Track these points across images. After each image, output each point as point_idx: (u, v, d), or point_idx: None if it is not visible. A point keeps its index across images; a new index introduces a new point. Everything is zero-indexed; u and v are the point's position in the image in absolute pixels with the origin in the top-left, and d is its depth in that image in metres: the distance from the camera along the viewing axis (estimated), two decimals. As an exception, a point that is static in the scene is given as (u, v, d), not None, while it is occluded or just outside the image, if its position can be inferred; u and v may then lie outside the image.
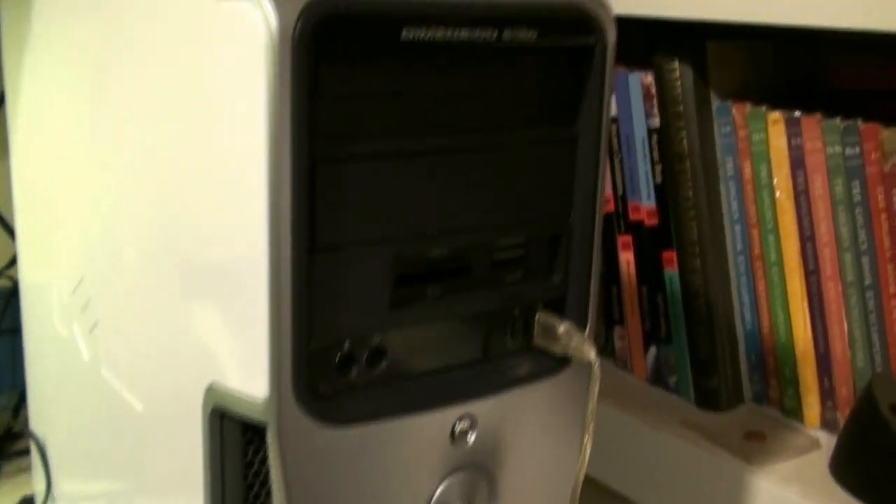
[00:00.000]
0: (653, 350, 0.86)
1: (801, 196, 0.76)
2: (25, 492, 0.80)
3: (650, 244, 0.84)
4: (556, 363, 0.50)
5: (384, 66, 0.42)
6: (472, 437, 0.48)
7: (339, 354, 0.44)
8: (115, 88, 0.51)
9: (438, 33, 0.41)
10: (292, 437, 0.43)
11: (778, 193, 0.78)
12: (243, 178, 0.41)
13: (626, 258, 0.87)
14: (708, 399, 0.83)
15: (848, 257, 0.75)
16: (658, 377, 0.86)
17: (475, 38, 0.43)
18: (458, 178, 0.45)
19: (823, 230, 0.76)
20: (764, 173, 0.78)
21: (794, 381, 0.79)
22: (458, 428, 0.47)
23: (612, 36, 0.48)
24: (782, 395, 0.81)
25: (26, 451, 0.83)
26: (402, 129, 0.43)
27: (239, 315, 0.43)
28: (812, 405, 0.79)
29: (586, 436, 0.48)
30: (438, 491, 0.47)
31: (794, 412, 0.80)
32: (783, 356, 0.80)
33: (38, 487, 0.77)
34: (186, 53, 0.44)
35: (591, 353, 0.47)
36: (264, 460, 0.49)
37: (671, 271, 0.83)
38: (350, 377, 0.44)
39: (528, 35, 0.44)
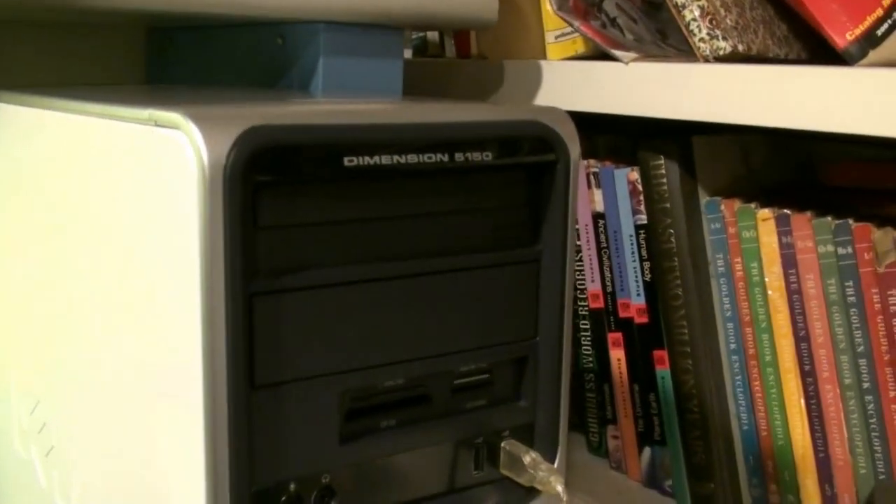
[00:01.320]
0: (647, 451, 0.83)
1: (795, 295, 0.74)
2: None
3: (641, 342, 0.82)
4: (525, 493, 0.47)
5: (328, 194, 0.40)
6: (431, 582, 0.45)
7: (283, 497, 0.41)
8: (60, 216, 0.49)
9: (384, 159, 0.39)
10: (234, 586, 0.40)
11: (770, 292, 0.75)
12: (178, 311, 0.39)
13: (617, 356, 0.84)
14: (705, 506, 0.79)
15: (845, 359, 0.72)
16: (653, 480, 0.83)
17: (425, 163, 0.41)
18: (413, 305, 0.43)
19: (819, 330, 0.73)
20: (755, 271, 0.76)
21: (794, 487, 0.76)
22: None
23: (575, 151, 0.46)
24: (783, 502, 0.77)
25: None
26: (348, 257, 0.41)
27: (177, 455, 0.41)
28: (814, 513, 0.76)
29: (555, 576, 0.45)
30: None
31: (796, 520, 0.76)
32: (782, 460, 0.76)
33: None
34: (125, 181, 0.42)
35: (559, 486, 0.44)
36: None
37: (663, 370, 0.80)
38: (296, 520, 0.42)
39: (482, 157, 0.42)
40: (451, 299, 0.44)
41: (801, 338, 0.74)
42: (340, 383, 0.41)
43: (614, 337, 0.84)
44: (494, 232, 0.45)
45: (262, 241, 0.38)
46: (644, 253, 0.80)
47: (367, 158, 0.39)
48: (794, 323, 0.74)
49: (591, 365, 0.86)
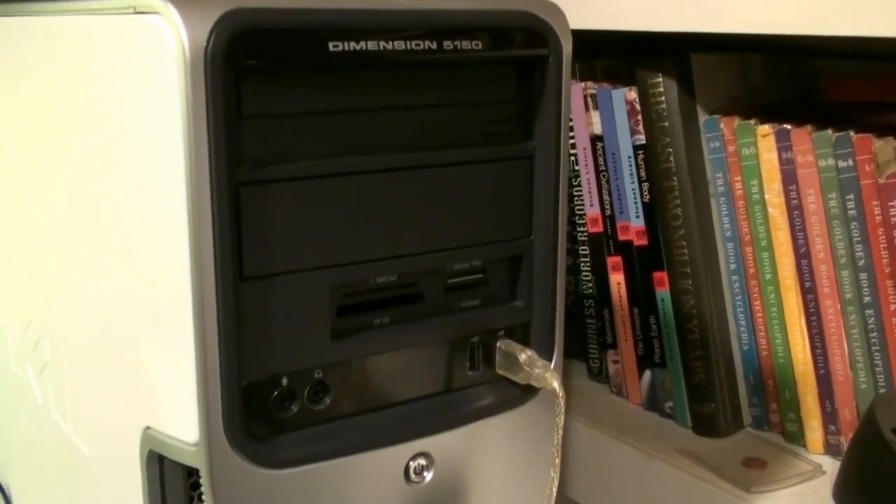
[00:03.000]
0: (647, 374, 0.83)
1: (795, 212, 0.73)
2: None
3: (641, 265, 0.81)
4: (522, 393, 0.47)
5: (313, 83, 0.39)
6: (428, 476, 0.45)
7: (276, 392, 0.41)
8: (43, 125, 0.48)
9: (370, 44, 0.38)
10: (227, 482, 0.40)
11: (770, 209, 0.74)
12: (164, 205, 0.38)
13: (617, 280, 0.83)
14: (705, 425, 0.79)
15: (845, 274, 0.71)
16: (653, 402, 0.83)
17: (412, 50, 0.40)
18: (403, 199, 0.42)
19: (819, 246, 0.72)
20: (755, 189, 0.75)
21: (794, 405, 0.76)
22: (413, 466, 0.44)
23: (567, 46, 0.45)
24: (783, 420, 0.77)
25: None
26: (335, 147, 0.40)
27: (168, 353, 0.41)
28: (814, 429, 0.75)
29: (552, 472, 0.45)
30: (393, 534, 0.44)
31: (797, 437, 0.76)
32: (783, 378, 0.76)
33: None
34: (107, 77, 0.41)
35: (555, 382, 0.44)
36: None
37: (663, 292, 0.80)
38: (290, 415, 0.41)
39: (472, 46, 0.41)
40: (443, 195, 0.43)
41: (802, 255, 0.73)
42: (330, 278, 0.41)
43: (614, 261, 0.83)
44: (485, 127, 0.44)
45: (247, 130, 0.38)
46: (643, 174, 0.79)
47: (352, 44, 0.38)
48: (794, 240, 0.73)
49: (590, 291, 0.86)
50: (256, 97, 0.38)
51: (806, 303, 0.74)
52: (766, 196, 0.74)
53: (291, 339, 0.41)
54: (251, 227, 0.38)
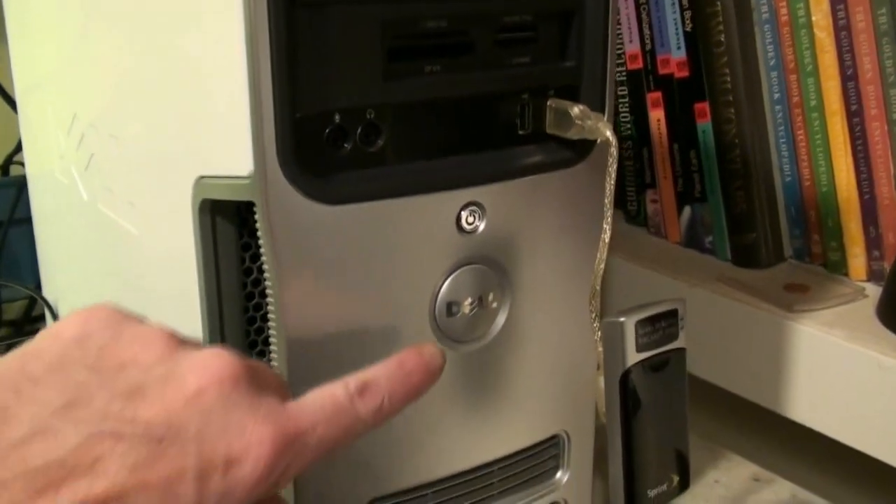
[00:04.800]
0: (687, 211, 0.82)
1: (842, 32, 0.71)
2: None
3: (682, 97, 0.80)
4: (573, 154, 0.46)
5: None
6: (480, 227, 0.44)
7: (329, 128, 0.40)
8: None
9: None
10: (283, 216, 0.40)
11: (817, 32, 0.73)
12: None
13: (657, 116, 0.82)
14: (746, 256, 0.78)
15: (893, 93, 0.70)
16: (693, 239, 0.82)
17: None
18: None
19: (867, 66, 0.71)
20: (801, 12, 0.73)
21: (837, 233, 0.75)
22: (464, 216, 0.44)
23: None
24: (825, 249, 0.76)
25: (43, 328, 0.82)
26: None
27: (222, 90, 0.40)
28: (857, 256, 0.75)
29: (604, 225, 0.44)
30: (445, 284, 0.44)
31: (839, 266, 0.76)
32: (826, 207, 0.75)
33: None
34: None
35: (608, 132, 0.43)
36: (256, 257, 0.47)
37: (704, 124, 0.79)
38: (343, 153, 0.41)
39: None
40: (494, -60, 0.43)
41: (849, 77, 0.72)
42: (382, 12, 0.40)
43: (654, 97, 0.82)
44: None
45: None
46: (685, 2, 0.78)
47: None
48: (841, 62, 0.72)
49: (629, 132, 0.85)
50: None
51: (851, 127, 0.73)
52: (813, 18, 0.73)
53: (344, 75, 0.40)
54: (304, -50, 0.38)
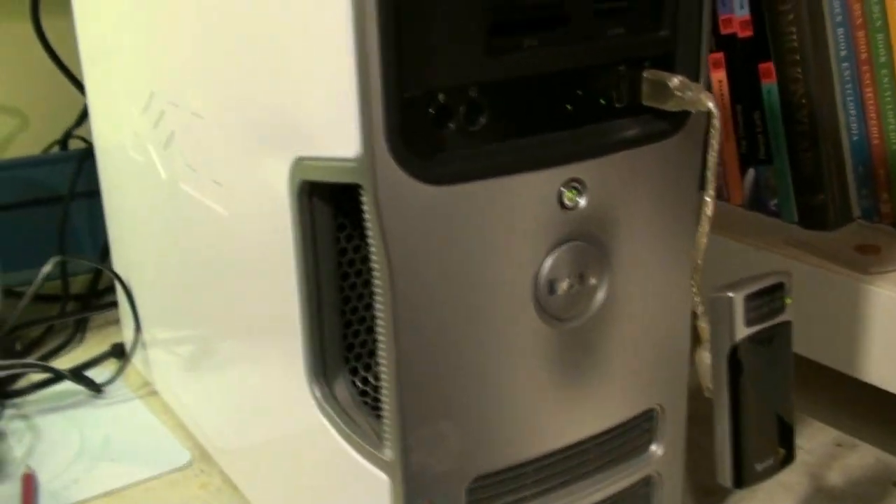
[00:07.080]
0: (751, 173, 0.81)
1: (913, -14, 0.70)
2: (115, 340, 0.79)
3: (745, 58, 0.79)
4: (668, 125, 0.46)
5: None
6: (582, 203, 0.44)
7: (433, 108, 0.40)
8: None
9: None
10: (391, 197, 0.39)
11: (886, -13, 0.71)
12: None
13: (718, 78, 0.81)
14: (814, 218, 0.78)
15: (968, 48, 0.69)
16: (757, 201, 0.82)
17: None
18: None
19: (939, 21, 0.70)
20: (870, -33, 0.72)
21: (908, 192, 0.74)
22: (566, 192, 0.43)
23: None
24: (895, 209, 0.75)
25: (113, 305, 0.82)
26: None
27: (325, 68, 0.40)
28: (929, 215, 0.74)
29: (706, 197, 0.44)
30: (547, 263, 0.44)
31: (909, 225, 0.75)
32: (895, 166, 0.74)
33: (127, 334, 0.76)
34: None
35: (710, 102, 0.43)
36: (351, 238, 0.46)
37: (769, 84, 0.77)
38: (448, 133, 0.41)
39: None
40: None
41: (920, 32, 0.71)
42: (485, -12, 0.40)
43: (715, 58, 0.81)
44: None
45: None
46: (748, -40, 0.76)
47: None
48: (912, 17, 0.71)
49: (688, 93, 0.84)
50: None
51: (923, 83, 0.71)
52: (882, -28, 0.71)
53: (448, 54, 0.40)
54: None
